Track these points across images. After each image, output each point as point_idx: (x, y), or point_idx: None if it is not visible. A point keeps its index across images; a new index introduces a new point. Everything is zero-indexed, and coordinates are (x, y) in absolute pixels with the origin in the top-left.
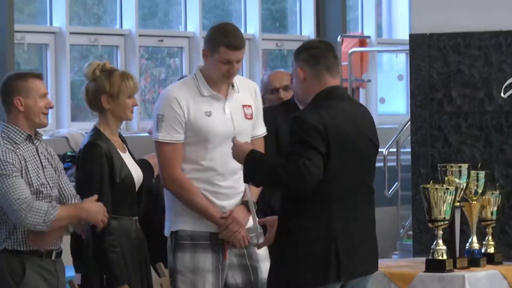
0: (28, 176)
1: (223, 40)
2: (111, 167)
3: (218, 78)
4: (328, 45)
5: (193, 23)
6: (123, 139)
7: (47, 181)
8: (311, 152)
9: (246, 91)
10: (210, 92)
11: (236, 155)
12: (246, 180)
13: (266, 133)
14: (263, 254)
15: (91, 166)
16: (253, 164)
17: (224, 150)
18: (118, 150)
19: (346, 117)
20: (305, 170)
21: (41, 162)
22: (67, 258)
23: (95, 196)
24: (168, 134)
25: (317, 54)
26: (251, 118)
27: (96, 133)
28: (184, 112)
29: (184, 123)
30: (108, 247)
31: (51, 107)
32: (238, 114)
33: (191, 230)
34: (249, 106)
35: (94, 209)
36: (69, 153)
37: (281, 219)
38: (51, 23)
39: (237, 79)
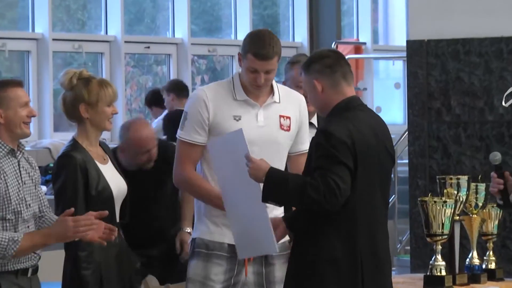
0: (7, 194)
1: (251, 47)
2: (86, 179)
3: (248, 85)
4: (338, 53)
5: (181, 29)
6: (106, 149)
7: (27, 197)
8: (339, 167)
9: (289, 103)
10: (243, 97)
11: (253, 173)
12: (265, 199)
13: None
14: (280, 276)
15: (64, 178)
16: (275, 183)
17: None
18: (97, 162)
19: (369, 129)
20: (335, 187)
21: (21, 177)
22: (46, 275)
23: (71, 210)
24: (187, 133)
25: (331, 63)
26: (287, 130)
27: (73, 144)
28: (210, 114)
29: (207, 126)
30: (81, 263)
31: (33, 116)
32: (272, 123)
33: (208, 239)
34: (288, 117)
35: (62, 230)
36: (51, 165)
37: (301, 240)
38: (33, 29)
39: (282, 90)
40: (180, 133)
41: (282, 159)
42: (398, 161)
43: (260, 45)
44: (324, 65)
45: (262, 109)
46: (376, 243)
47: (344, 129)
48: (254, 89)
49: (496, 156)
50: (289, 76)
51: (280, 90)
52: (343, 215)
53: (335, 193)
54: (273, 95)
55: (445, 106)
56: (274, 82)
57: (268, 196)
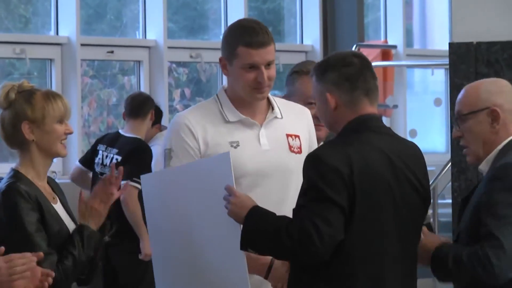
0: None
1: (239, 38)
2: (41, 218)
3: (246, 95)
4: (364, 60)
5: (155, 28)
6: (54, 187)
7: None
8: (324, 205)
9: (293, 117)
10: (237, 117)
11: (235, 211)
12: (244, 246)
13: None
14: None
15: (13, 214)
16: (253, 225)
17: (260, 192)
18: (49, 200)
19: (381, 156)
20: (313, 233)
21: None
22: None
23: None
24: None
25: (352, 74)
26: (299, 152)
27: (15, 175)
28: (200, 143)
29: (198, 157)
30: None
31: None
32: (279, 145)
33: None
34: (296, 136)
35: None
36: None
37: None
38: None
39: (281, 102)
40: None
41: (298, 191)
42: (439, 201)
43: (250, 31)
44: (343, 77)
45: (263, 129)
46: None
47: (340, 155)
48: (256, 95)
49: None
50: (294, 89)
51: (279, 102)
52: (335, 270)
53: (312, 240)
54: (273, 109)
55: None
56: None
57: (248, 242)
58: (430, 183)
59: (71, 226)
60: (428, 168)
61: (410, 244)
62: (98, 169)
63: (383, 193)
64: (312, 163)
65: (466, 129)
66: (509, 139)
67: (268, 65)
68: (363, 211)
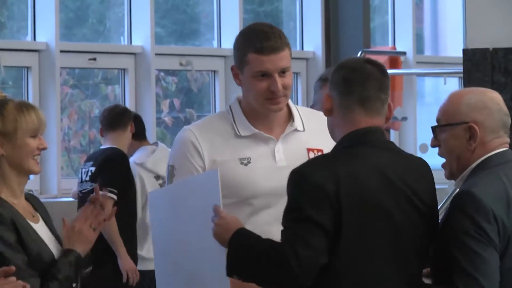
0: None
1: (250, 44)
2: (18, 240)
3: (259, 106)
4: (377, 67)
5: (142, 33)
6: (35, 204)
7: None
8: (306, 226)
9: (318, 129)
10: (250, 131)
11: (219, 233)
12: (230, 272)
13: None
14: None
15: None
16: (237, 250)
17: (274, 213)
18: (28, 220)
19: (376, 174)
20: (291, 256)
21: None
22: None
23: None
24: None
25: (352, 78)
26: None
27: None
28: (205, 161)
29: None
30: None
31: None
32: (298, 161)
33: None
34: (319, 150)
35: None
36: None
37: None
38: None
39: (305, 112)
40: None
41: None
42: None
43: (261, 36)
44: (342, 78)
45: (280, 143)
46: None
47: (326, 171)
48: (270, 106)
49: None
50: (318, 97)
51: (302, 113)
52: None
53: (290, 265)
54: (293, 121)
55: None
56: (291, 103)
57: (234, 267)
58: (443, 201)
59: (55, 247)
60: (440, 186)
61: (411, 269)
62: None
63: (376, 214)
64: (295, 180)
65: (442, 141)
66: (481, 159)
67: (283, 72)
68: (350, 232)
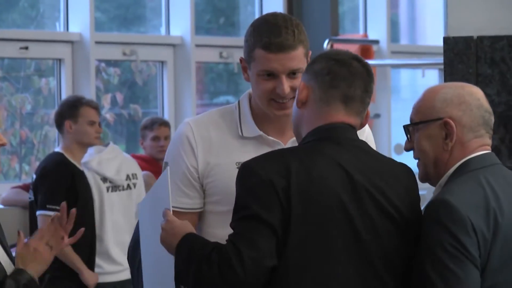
0: None
1: (259, 38)
2: None
3: (264, 107)
4: (365, 67)
5: (80, 18)
6: None
7: None
8: (252, 225)
9: None
10: (254, 132)
11: (164, 239)
12: (178, 281)
13: None
14: None
15: None
16: (183, 257)
17: None
18: None
19: (336, 172)
20: (234, 258)
21: None
22: None
23: None
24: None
25: (339, 72)
26: None
27: None
28: (198, 162)
29: (197, 181)
30: None
31: None
32: None
33: None
34: None
35: None
36: None
37: None
38: None
39: None
40: None
41: None
42: None
43: (272, 30)
44: (327, 70)
45: None
46: None
47: (276, 165)
48: (275, 110)
49: None
50: None
51: None
52: None
53: (233, 267)
54: None
55: (505, 143)
56: None
57: (180, 276)
58: (423, 207)
59: (6, 262)
60: (419, 192)
61: (381, 285)
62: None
63: (331, 215)
64: (242, 174)
65: (416, 142)
66: (460, 162)
67: (293, 74)
68: (299, 233)
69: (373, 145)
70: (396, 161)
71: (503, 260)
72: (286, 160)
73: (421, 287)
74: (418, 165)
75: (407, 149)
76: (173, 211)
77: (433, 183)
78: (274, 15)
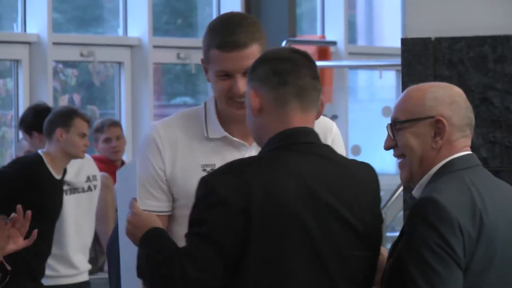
0: None
1: (213, 37)
2: None
3: (224, 108)
4: (304, 57)
5: (37, 19)
6: None
7: None
8: (202, 244)
9: None
10: (219, 133)
11: (129, 232)
12: (138, 274)
13: None
14: None
15: None
16: (144, 252)
17: None
18: None
19: (294, 183)
20: (178, 275)
21: None
22: None
23: None
24: (138, 198)
25: (284, 69)
26: None
27: None
28: (165, 163)
29: (165, 183)
30: None
31: None
32: None
33: None
34: None
35: None
36: None
37: None
38: None
39: None
40: None
41: None
42: (388, 234)
43: (225, 29)
44: (272, 71)
45: (254, 150)
46: None
47: (235, 181)
48: (234, 110)
49: None
50: None
51: None
52: None
53: (175, 285)
54: None
55: None
56: None
57: (140, 270)
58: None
59: None
60: None
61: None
62: None
63: (292, 232)
64: (201, 190)
65: (401, 140)
66: (445, 161)
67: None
68: (259, 252)
69: (340, 145)
70: (359, 163)
71: (484, 262)
72: (245, 175)
73: (402, 286)
74: (401, 164)
75: (387, 147)
76: None
77: (415, 183)
78: (230, 14)
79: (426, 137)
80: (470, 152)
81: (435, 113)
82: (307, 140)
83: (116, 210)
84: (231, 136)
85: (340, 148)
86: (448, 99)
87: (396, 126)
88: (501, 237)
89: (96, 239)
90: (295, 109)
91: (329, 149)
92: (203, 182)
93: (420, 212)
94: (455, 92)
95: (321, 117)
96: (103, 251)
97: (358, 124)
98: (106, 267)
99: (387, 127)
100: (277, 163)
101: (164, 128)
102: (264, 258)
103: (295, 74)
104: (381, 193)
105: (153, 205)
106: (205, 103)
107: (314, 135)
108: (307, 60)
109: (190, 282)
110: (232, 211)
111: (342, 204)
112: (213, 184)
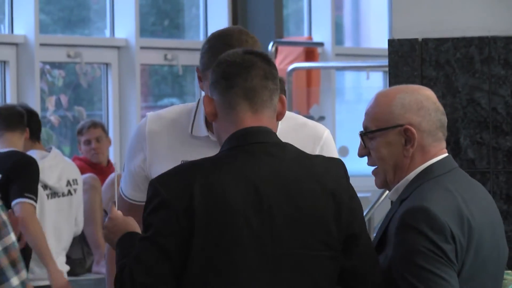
0: None
1: (213, 59)
2: None
3: (209, 123)
4: (260, 57)
5: (23, 19)
6: None
7: None
8: (150, 248)
9: (291, 139)
10: (202, 132)
11: (106, 236)
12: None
13: None
14: None
15: None
16: (117, 256)
17: None
18: None
19: (243, 187)
20: (127, 281)
21: None
22: None
23: None
24: (124, 186)
25: (232, 71)
26: None
27: None
28: (149, 155)
29: (149, 175)
30: None
31: None
32: None
33: None
34: None
35: None
36: None
37: None
38: None
39: (289, 121)
40: (121, 185)
41: None
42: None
43: (222, 39)
44: (221, 75)
45: None
46: None
47: (180, 184)
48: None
49: None
50: None
51: (284, 121)
52: None
53: None
54: None
55: (450, 146)
56: None
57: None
58: (365, 213)
59: None
60: (363, 195)
61: None
62: None
63: (237, 235)
64: (148, 193)
65: (373, 149)
66: (422, 167)
67: None
68: (203, 255)
69: (331, 153)
70: (326, 159)
71: (474, 269)
72: (192, 178)
73: None
74: (375, 172)
75: (361, 155)
76: (128, 203)
77: (390, 188)
78: (230, 28)
79: (397, 145)
80: (446, 154)
81: (403, 121)
82: (257, 140)
83: (104, 211)
84: (212, 136)
85: (332, 155)
86: (416, 105)
87: (367, 135)
88: (487, 243)
89: (84, 241)
90: (244, 111)
91: (280, 148)
92: (150, 184)
93: (410, 222)
94: (423, 96)
95: (313, 123)
96: (91, 252)
97: (346, 125)
98: (94, 268)
99: (360, 135)
100: (225, 163)
101: (154, 120)
102: (210, 260)
103: (242, 76)
104: (368, 194)
105: (138, 196)
106: (198, 101)
107: (266, 134)
108: (261, 59)
109: (138, 286)
110: (175, 213)
111: (290, 202)
112: (158, 187)
